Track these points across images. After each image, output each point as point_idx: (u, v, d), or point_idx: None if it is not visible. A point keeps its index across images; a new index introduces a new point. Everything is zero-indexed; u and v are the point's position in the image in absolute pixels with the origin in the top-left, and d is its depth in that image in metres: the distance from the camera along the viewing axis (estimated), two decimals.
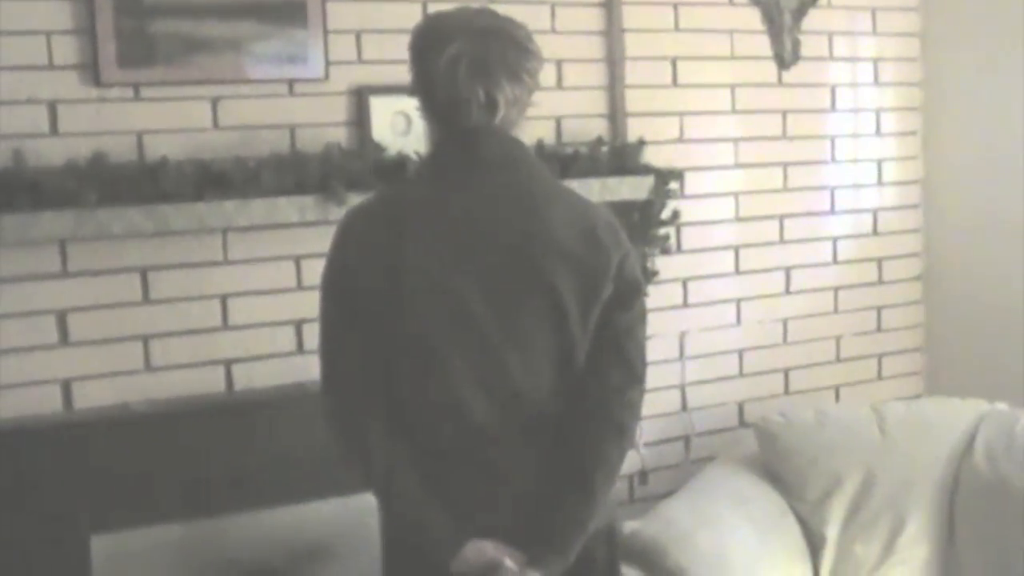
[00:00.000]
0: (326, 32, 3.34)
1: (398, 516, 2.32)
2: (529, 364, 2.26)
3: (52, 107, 3.07)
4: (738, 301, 4.07)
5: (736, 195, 4.04)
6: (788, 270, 4.17)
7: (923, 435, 3.69)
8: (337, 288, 2.29)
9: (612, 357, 2.32)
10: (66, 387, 3.13)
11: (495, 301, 2.22)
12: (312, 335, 3.25)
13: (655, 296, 3.76)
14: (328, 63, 3.35)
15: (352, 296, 2.26)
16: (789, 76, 4.11)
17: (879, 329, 4.38)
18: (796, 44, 4.09)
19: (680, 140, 3.92)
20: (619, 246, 2.32)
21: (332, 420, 2.32)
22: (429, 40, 2.27)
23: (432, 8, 3.39)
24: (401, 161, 3.28)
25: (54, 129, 3.08)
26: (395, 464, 2.26)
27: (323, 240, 3.26)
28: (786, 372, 4.19)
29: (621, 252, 2.32)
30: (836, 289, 4.27)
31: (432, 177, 2.35)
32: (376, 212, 2.34)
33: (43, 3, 3.05)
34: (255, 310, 3.32)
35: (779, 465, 3.65)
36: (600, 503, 2.32)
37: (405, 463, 2.26)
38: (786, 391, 4.19)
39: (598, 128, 3.72)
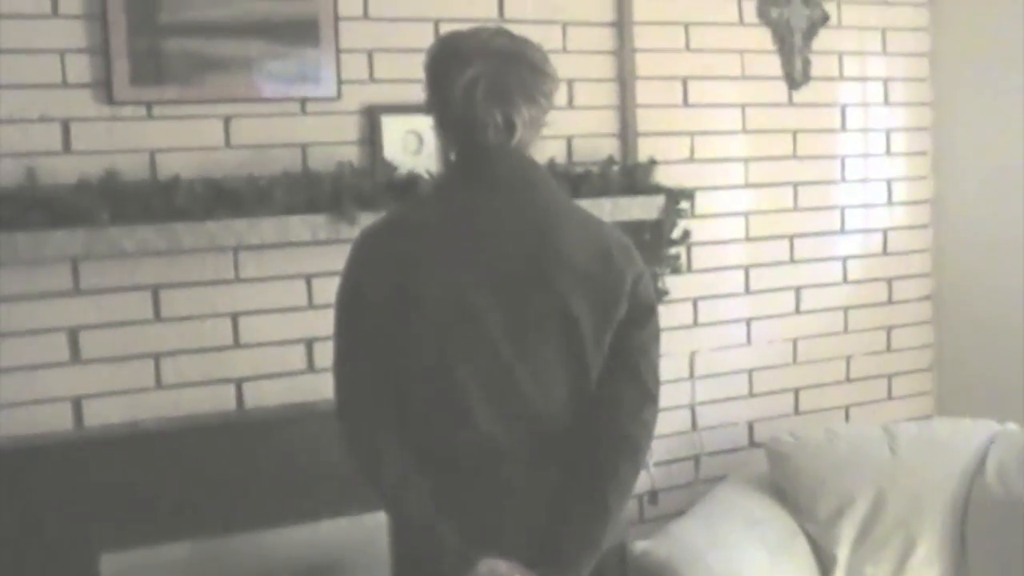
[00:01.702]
0: (338, 51, 3.34)
1: (410, 533, 2.31)
2: (543, 383, 2.25)
3: (65, 125, 3.08)
4: (748, 321, 4.06)
5: (746, 215, 4.04)
6: (798, 290, 4.16)
7: (934, 455, 3.67)
8: (351, 307, 2.28)
9: (626, 376, 2.31)
10: (77, 405, 3.12)
11: (509, 320, 2.22)
12: (322, 353, 3.28)
13: (665, 316, 3.72)
14: (340, 82, 3.35)
15: (366, 315, 2.25)
16: (799, 96, 4.11)
17: (889, 349, 4.36)
18: (806, 64, 4.09)
19: (691, 160, 3.91)
20: (633, 266, 2.32)
21: (346, 438, 2.31)
22: (446, 61, 2.27)
23: (444, 28, 3.40)
24: (412, 180, 3.28)
25: (67, 147, 3.08)
26: (408, 483, 2.26)
27: (335, 259, 3.27)
28: (796, 392, 4.18)
29: (635, 272, 2.32)
30: (846, 309, 4.26)
31: (446, 196, 2.35)
32: (390, 231, 2.34)
33: (57, 22, 3.06)
34: (266, 328, 3.31)
35: (789, 485, 3.64)
36: (613, 522, 2.31)
37: (418, 481, 2.26)
38: (796, 411, 4.18)
39: (609, 148, 3.72)
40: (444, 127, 2.32)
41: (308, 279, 3.35)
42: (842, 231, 4.24)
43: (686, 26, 3.89)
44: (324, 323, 3.28)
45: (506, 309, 2.21)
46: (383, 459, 2.26)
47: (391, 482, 2.27)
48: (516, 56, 2.27)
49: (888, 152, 4.32)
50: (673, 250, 3.76)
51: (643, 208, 3.60)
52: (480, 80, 2.22)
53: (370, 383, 2.27)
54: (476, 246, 2.24)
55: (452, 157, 2.35)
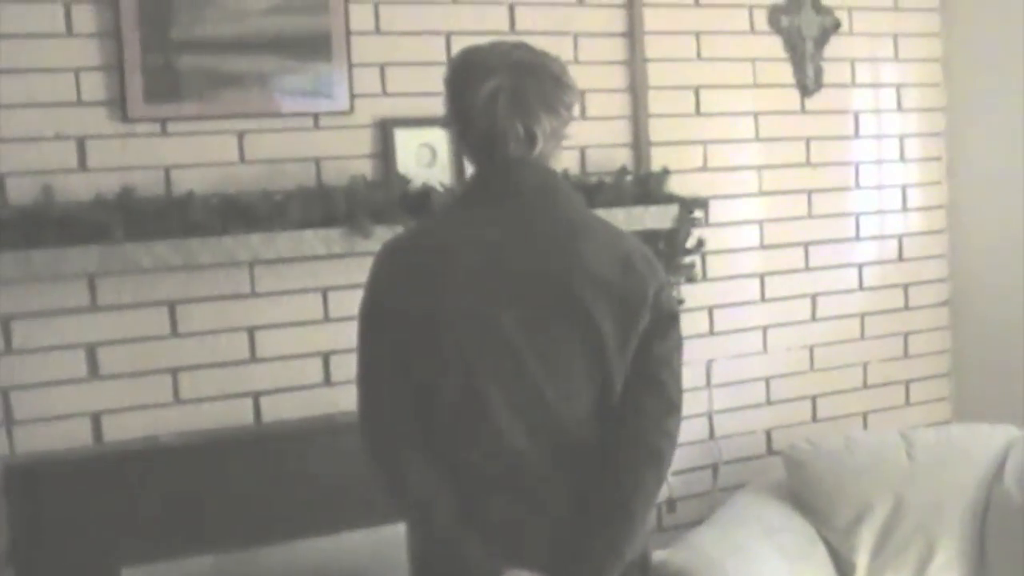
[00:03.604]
0: (350, 66, 3.35)
1: (434, 546, 2.30)
2: (566, 393, 2.25)
3: (81, 143, 3.10)
4: (764, 329, 4.05)
5: (761, 223, 4.04)
6: (814, 297, 4.16)
7: (952, 461, 3.66)
8: (375, 319, 2.28)
9: (649, 386, 2.31)
10: (96, 420, 3.14)
11: (532, 331, 2.22)
12: (339, 367, 3.30)
13: (681, 324, 3.76)
14: (353, 96, 3.37)
15: (390, 327, 2.25)
16: (812, 103, 4.11)
17: (906, 355, 4.35)
18: (818, 71, 4.10)
19: (704, 168, 3.92)
20: (655, 276, 2.32)
21: (369, 451, 2.31)
22: (468, 74, 2.27)
23: (455, 41, 3.43)
24: (426, 193, 3.29)
25: (83, 164, 3.10)
26: (431, 495, 2.25)
27: (350, 272, 3.31)
28: (813, 399, 4.18)
29: (657, 282, 2.32)
30: (862, 315, 4.26)
31: (468, 208, 2.35)
32: (412, 245, 2.34)
33: (71, 41, 3.08)
34: (282, 342, 3.32)
35: (807, 493, 3.63)
36: (638, 532, 2.31)
37: (443, 494, 2.25)
38: (813, 418, 4.17)
39: (622, 158, 3.73)
40: (465, 139, 2.32)
41: (324, 293, 3.36)
42: (857, 238, 4.24)
43: (697, 35, 3.89)
44: (340, 336, 3.33)
45: (529, 320, 2.21)
46: (406, 472, 2.26)
47: (415, 495, 2.26)
48: (537, 68, 2.28)
49: (902, 158, 4.32)
50: (688, 259, 3.76)
51: (657, 218, 3.60)
52: (501, 92, 2.23)
53: (393, 396, 2.26)
54: (498, 258, 2.24)
55: (472, 170, 2.36)
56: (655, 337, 2.30)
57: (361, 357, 2.31)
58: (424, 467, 2.25)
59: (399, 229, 3.20)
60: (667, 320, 2.33)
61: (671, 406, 2.35)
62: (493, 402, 2.22)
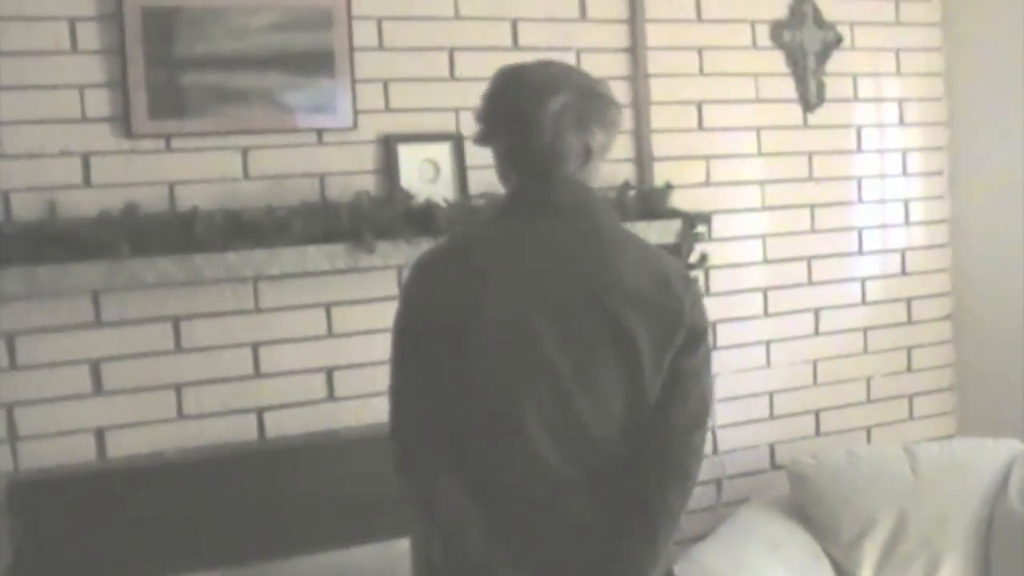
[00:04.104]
0: (354, 81, 3.36)
1: (464, 566, 2.28)
2: (600, 409, 2.25)
3: (85, 159, 3.11)
4: (767, 343, 4.06)
5: (764, 237, 4.05)
6: (817, 311, 4.16)
7: (956, 475, 3.66)
8: (410, 331, 2.29)
9: (676, 401, 2.31)
10: (100, 436, 3.14)
11: (569, 345, 2.23)
12: (343, 382, 3.31)
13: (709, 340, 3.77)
14: (356, 112, 3.38)
15: (424, 340, 2.26)
16: (814, 118, 4.12)
17: (909, 369, 4.35)
18: (821, 86, 4.11)
19: (707, 183, 3.92)
20: (690, 292, 2.35)
21: (400, 465, 2.31)
22: (531, 92, 2.29)
23: (458, 57, 3.44)
24: (429, 208, 3.29)
25: (87, 181, 3.11)
26: (462, 514, 2.25)
27: (353, 288, 3.32)
28: (817, 413, 4.18)
29: (691, 299, 2.34)
30: (865, 330, 4.26)
31: (504, 223, 2.36)
32: (450, 255, 2.36)
33: (76, 58, 3.09)
34: (286, 358, 3.33)
35: (811, 507, 3.63)
36: (662, 551, 2.31)
37: (472, 513, 2.25)
38: (817, 432, 4.17)
39: (625, 173, 3.74)
40: (514, 155, 2.33)
41: (327, 308, 3.37)
42: (860, 252, 4.24)
43: (700, 51, 3.91)
44: (344, 352, 3.34)
45: (565, 333, 2.22)
46: (436, 489, 2.25)
47: (445, 514, 2.26)
48: (592, 87, 2.35)
49: (904, 172, 4.32)
50: (691, 274, 3.76)
51: (660, 232, 3.60)
52: (568, 109, 2.27)
53: (425, 411, 2.27)
54: (535, 273, 2.25)
55: (512, 184, 2.37)
56: (686, 353, 2.32)
57: (394, 370, 2.32)
58: (453, 485, 2.25)
59: (402, 245, 3.22)
60: (698, 336, 2.35)
61: (697, 421, 2.36)
62: (527, 417, 2.22)
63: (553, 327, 2.22)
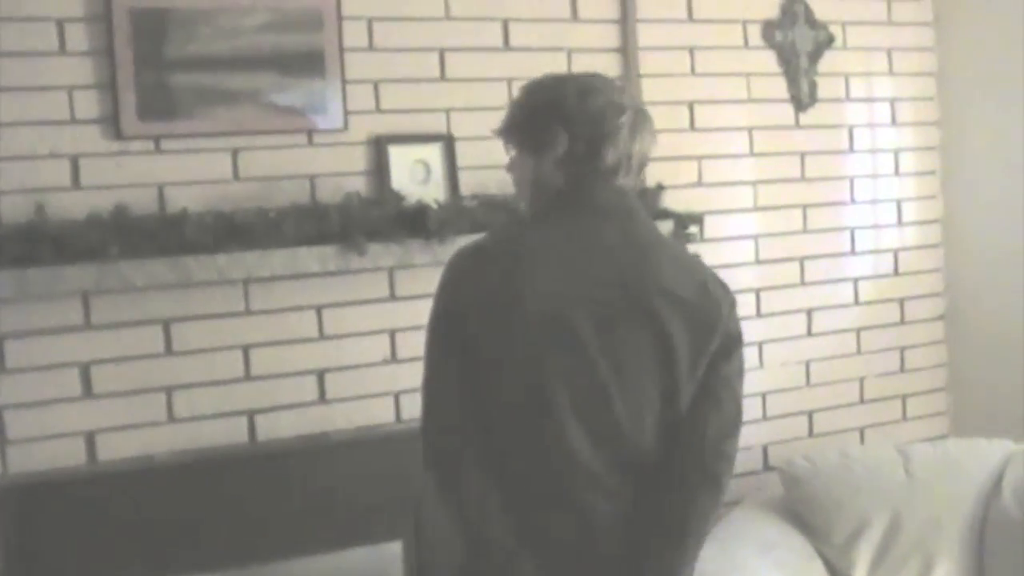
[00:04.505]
0: (344, 82, 3.37)
1: (486, 562, 2.30)
2: (634, 408, 2.28)
3: (74, 161, 3.11)
4: (760, 344, 4.07)
5: (756, 238, 4.06)
6: (810, 312, 4.17)
7: (950, 476, 3.68)
8: (448, 320, 2.32)
9: (709, 408, 2.36)
10: (90, 439, 3.15)
11: (608, 343, 2.26)
12: (334, 384, 3.32)
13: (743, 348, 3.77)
14: (347, 113, 3.38)
15: (462, 335, 2.28)
16: (806, 118, 4.13)
17: (903, 370, 4.37)
18: (813, 86, 4.12)
19: (699, 184, 3.94)
20: (727, 299, 2.41)
21: (430, 458, 2.33)
22: (607, 102, 2.37)
23: (449, 57, 3.46)
24: (421, 210, 3.30)
25: (76, 182, 3.12)
26: (489, 511, 2.26)
27: (345, 290, 3.33)
28: (810, 414, 4.19)
29: (729, 305, 2.40)
30: (858, 330, 4.27)
31: (547, 221, 2.38)
32: (491, 252, 2.37)
33: (65, 59, 3.10)
34: (278, 360, 3.33)
35: (805, 509, 3.64)
36: (692, 557, 2.36)
37: (499, 510, 2.26)
38: (810, 434, 4.18)
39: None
40: (577, 161, 2.36)
41: (318, 310, 3.37)
42: (852, 252, 4.26)
43: (691, 51, 3.92)
44: (335, 354, 3.34)
45: (605, 331, 2.25)
46: (466, 480, 2.27)
47: (471, 510, 2.27)
48: (636, 101, 2.47)
49: (897, 172, 4.34)
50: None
51: None
52: (633, 123, 2.38)
53: (459, 401, 2.28)
54: (579, 267, 2.28)
55: (552, 187, 2.39)
56: (721, 358, 2.37)
57: (428, 363, 2.35)
58: (482, 481, 2.26)
59: (393, 247, 3.23)
60: (733, 343, 2.41)
61: (730, 429, 2.40)
62: (565, 413, 2.24)
63: (594, 324, 2.25)
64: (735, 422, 2.41)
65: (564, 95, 2.37)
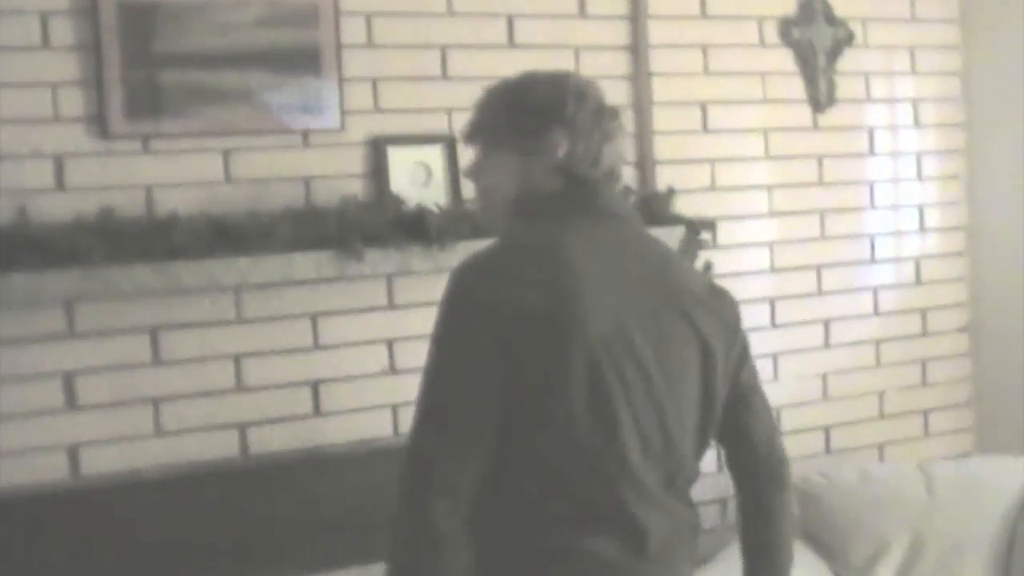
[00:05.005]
0: (341, 80, 3.36)
1: None
2: (679, 416, 2.27)
3: (58, 161, 3.10)
4: (775, 356, 4.05)
5: (771, 245, 4.05)
6: (827, 323, 4.16)
7: (974, 495, 3.67)
8: (480, 337, 2.14)
9: (751, 418, 2.44)
10: (73, 453, 3.13)
11: (661, 353, 2.24)
12: (329, 397, 3.31)
13: None
14: (344, 112, 3.37)
15: (502, 346, 2.13)
16: (825, 119, 4.12)
17: (925, 383, 4.35)
18: (831, 86, 4.11)
19: (711, 188, 3.93)
20: (733, 298, 2.44)
21: (413, 495, 2.13)
22: (605, 108, 2.35)
23: (452, 54, 3.45)
24: (421, 213, 3.28)
25: (60, 184, 3.10)
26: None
27: (340, 297, 3.31)
28: (827, 430, 4.17)
29: (738, 306, 2.43)
30: (878, 342, 4.26)
31: (569, 224, 2.29)
32: (524, 255, 2.24)
33: (48, 54, 3.08)
34: (270, 371, 3.32)
35: (821, 529, 3.63)
36: (790, 563, 2.47)
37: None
38: (827, 450, 4.17)
39: (625, 177, 3.71)
40: (578, 161, 2.31)
41: (314, 318, 3.36)
42: (872, 260, 4.25)
43: (704, 49, 3.91)
44: (331, 365, 3.33)
45: (656, 341, 2.23)
46: (446, 538, 2.10)
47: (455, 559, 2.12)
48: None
49: (919, 176, 4.33)
50: None
51: (663, 239, 3.60)
52: (623, 124, 2.39)
53: (476, 431, 2.14)
54: (621, 278, 2.24)
55: (546, 193, 2.32)
56: (742, 364, 2.42)
57: (440, 383, 2.18)
58: (465, 545, 2.13)
59: (392, 252, 3.22)
60: (747, 345, 2.45)
61: (774, 430, 2.50)
62: (623, 426, 2.19)
63: (646, 334, 2.22)
64: (773, 423, 2.51)
65: (564, 97, 2.33)
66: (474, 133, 2.41)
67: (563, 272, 2.19)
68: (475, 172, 2.43)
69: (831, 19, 4.10)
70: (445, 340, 2.19)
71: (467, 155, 3.45)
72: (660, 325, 2.24)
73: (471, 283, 2.20)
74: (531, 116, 2.33)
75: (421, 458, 2.13)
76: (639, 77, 3.77)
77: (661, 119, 3.81)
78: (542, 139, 2.31)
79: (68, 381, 3.12)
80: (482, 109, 2.40)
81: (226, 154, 3.27)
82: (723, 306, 2.36)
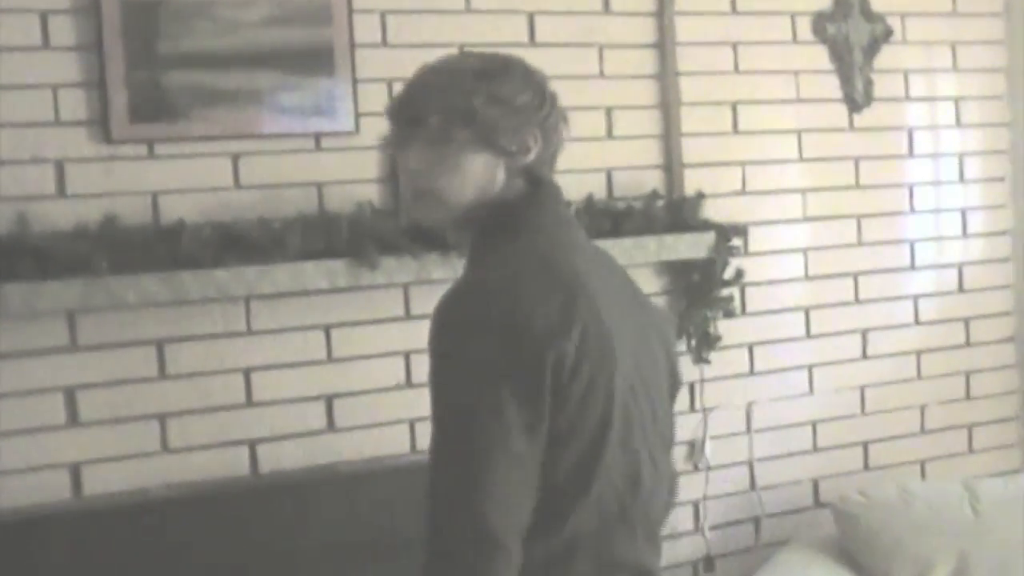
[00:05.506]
0: (355, 81, 3.36)
1: None
2: (667, 445, 2.19)
3: (59, 166, 3.10)
4: (810, 368, 4.04)
5: (805, 251, 4.03)
6: (865, 333, 4.14)
7: (1021, 514, 3.64)
8: (522, 364, 1.87)
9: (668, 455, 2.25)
10: (75, 472, 3.13)
11: (654, 379, 2.12)
12: (343, 411, 3.30)
13: (718, 364, 3.76)
14: (358, 115, 3.37)
15: (541, 371, 1.87)
16: (861, 119, 4.10)
17: (968, 397, 4.33)
18: (868, 84, 4.09)
19: (743, 192, 3.91)
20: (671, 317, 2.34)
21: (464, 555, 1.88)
22: (549, 98, 2.14)
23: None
24: None
25: (61, 190, 3.10)
26: None
27: (355, 308, 3.31)
28: (865, 446, 4.15)
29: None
30: (919, 353, 4.24)
31: (555, 235, 2.11)
32: (544, 273, 2.00)
33: (49, 54, 3.09)
34: (281, 385, 3.32)
35: (860, 550, 3.62)
36: None
37: None
38: (866, 467, 4.15)
39: (652, 181, 3.72)
40: (544, 161, 2.14)
41: (326, 330, 3.36)
42: (912, 267, 4.23)
43: (734, 46, 3.90)
44: (345, 378, 3.33)
45: (654, 366, 2.13)
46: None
47: None
48: None
49: (962, 179, 4.31)
50: (725, 291, 3.75)
51: (691, 246, 3.59)
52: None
53: (528, 477, 1.89)
54: (617, 297, 2.10)
55: (506, 197, 2.10)
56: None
57: (484, 423, 1.86)
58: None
59: (408, 261, 3.22)
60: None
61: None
62: (643, 459, 2.05)
63: (648, 359, 2.11)
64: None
65: (543, 92, 2.15)
66: (421, 119, 2.10)
67: (590, 302, 1.97)
68: (424, 171, 2.08)
69: (868, 14, 4.09)
70: (477, 367, 1.89)
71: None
72: (651, 349, 2.13)
73: (493, 306, 1.92)
74: (516, 112, 2.08)
75: (488, 537, 1.84)
76: (666, 76, 3.76)
77: (689, 120, 3.80)
78: (520, 138, 2.09)
79: (70, 396, 3.12)
80: (444, 93, 2.08)
81: (235, 159, 3.27)
82: (664, 323, 2.27)
